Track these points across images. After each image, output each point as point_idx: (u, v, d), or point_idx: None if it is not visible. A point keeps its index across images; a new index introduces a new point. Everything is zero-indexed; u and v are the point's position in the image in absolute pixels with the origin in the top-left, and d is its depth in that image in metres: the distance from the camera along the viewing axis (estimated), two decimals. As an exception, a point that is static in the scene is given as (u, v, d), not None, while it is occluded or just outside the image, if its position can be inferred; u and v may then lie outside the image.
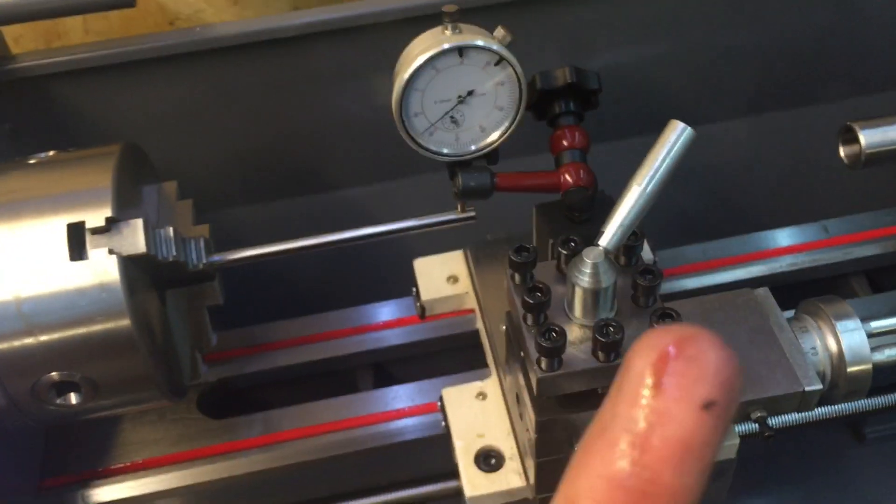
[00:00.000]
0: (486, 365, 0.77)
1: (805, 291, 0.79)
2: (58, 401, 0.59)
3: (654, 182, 0.52)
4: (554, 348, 0.51)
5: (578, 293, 0.53)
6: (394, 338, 0.83)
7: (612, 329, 0.52)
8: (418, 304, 0.79)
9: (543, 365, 0.53)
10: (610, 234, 0.53)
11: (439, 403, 0.71)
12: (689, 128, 0.53)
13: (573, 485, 0.20)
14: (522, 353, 0.59)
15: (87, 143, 0.82)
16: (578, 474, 0.19)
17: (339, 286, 0.89)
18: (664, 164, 0.52)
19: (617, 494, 0.19)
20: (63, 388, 0.59)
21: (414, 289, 0.80)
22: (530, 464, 0.64)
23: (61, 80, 0.78)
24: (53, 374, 0.58)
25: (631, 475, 0.19)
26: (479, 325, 0.77)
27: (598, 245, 0.53)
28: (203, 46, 0.77)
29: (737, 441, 0.67)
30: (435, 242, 0.82)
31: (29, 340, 0.56)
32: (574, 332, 0.54)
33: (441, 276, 0.80)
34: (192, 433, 0.77)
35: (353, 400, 0.79)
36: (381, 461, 0.77)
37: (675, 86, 0.90)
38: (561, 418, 0.56)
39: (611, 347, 0.52)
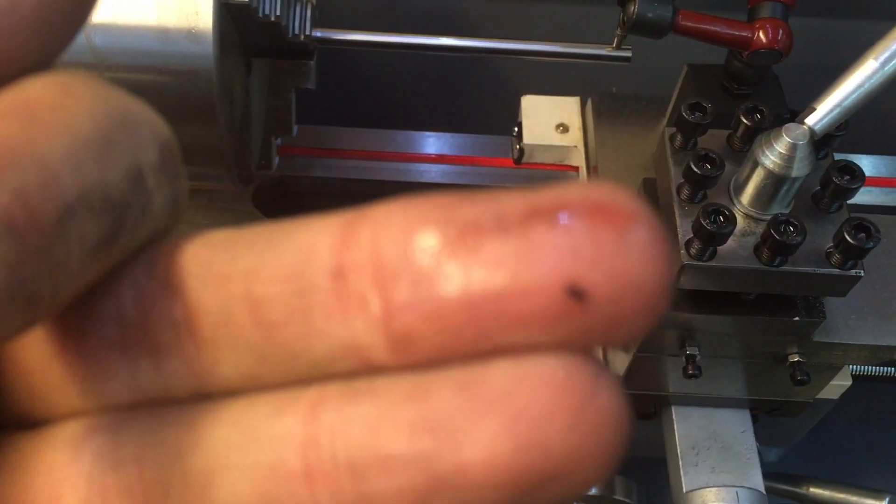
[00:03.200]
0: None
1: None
2: (112, 155, 0.51)
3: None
4: (717, 234, 0.42)
5: (759, 176, 0.43)
6: (481, 176, 0.74)
7: (792, 229, 0.42)
8: (517, 147, 0.70)
9: (693, 250, 0.44)
10: (823, 112, 0.42)
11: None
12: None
13: None
14: (657, 230, 0.50)
15: None
16: None
17: (432, 104, 0.78)
18: (916, 44, 0.41)
19: None
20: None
21: (515, 128, 0.70)
22: (616, 354, 0.56)
23: None
24: (113, 122, 0.49)
25: None
26: (582, 185, 0.68)
27: (802, 123, 0.42)
28: None
29: (848, 383, 0.59)
30: (534, 83, 0.72)
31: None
32: (738, 222, 0.44)
33: (550, 122, 0.70)
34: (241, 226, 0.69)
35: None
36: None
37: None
38: (684, 316, 0.48)
39: (784, 250, 0.43)
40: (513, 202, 0.12)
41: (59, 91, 0.13)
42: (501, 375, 0.12)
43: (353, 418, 0.12)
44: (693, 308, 0.47)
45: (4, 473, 0.14)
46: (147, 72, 0.47)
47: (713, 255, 0.44)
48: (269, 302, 0.13)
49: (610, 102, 0.68)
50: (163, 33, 0.46)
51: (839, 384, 0.58)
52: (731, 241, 0.44)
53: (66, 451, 0.14)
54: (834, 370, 0.53)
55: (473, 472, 0.12)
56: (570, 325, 0.12)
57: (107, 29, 0.46)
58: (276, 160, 0.61)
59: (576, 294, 0.11)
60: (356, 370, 0.13)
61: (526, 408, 0.11)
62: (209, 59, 0.46)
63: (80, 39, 0.46)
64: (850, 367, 0.58)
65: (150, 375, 0.14)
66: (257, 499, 0.13)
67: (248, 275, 0.13)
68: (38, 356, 0.15)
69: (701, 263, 0.44)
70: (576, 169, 0.69)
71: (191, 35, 0.46)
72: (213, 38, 0.46)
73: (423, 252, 0.12)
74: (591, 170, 0.67)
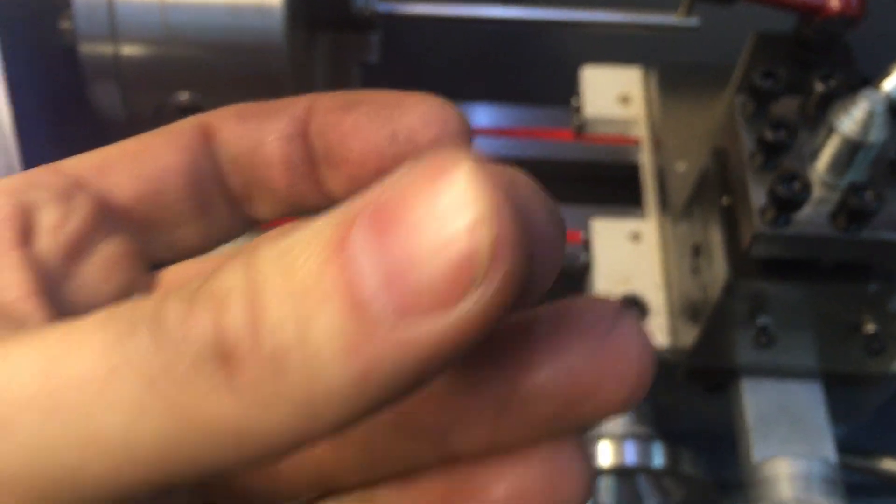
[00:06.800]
0: (635, 205, 0.68)
1: None
2: (183, 130, 0.52)
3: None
4: (793, 201, 0.42)
5: (835, 142, 0.43)
6: (537, 149, 0.73)
7: (869, 196, 0.41)
8: (577, 119, 0.69)
9: (768, 218, 0.43)
10: (903, 77, 0.41)
11: (583, 235, 0.63)
12: None
13: None
14: (725, 200, 0.49)
15: None
16: None
17: (492, 74, 0.78)
18: None
19: None
20: (188, 114, 0.51)
21: (575, 99, 0.70)
22: (685, 325, 0.56)
23: None
24: (184, 96, 0.50)
25: None
26: (644, 158, 0.67)
27: (880, 89, 0.42)
28: None
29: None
30: (593, 52, 0.71)
31: (166, 52, 0.48)
32: (814, 189, 0.44)
33: (611, 93, 0.69)
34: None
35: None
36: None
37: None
38: (756, 285, 0.47)
39: (861, 217, 0.42)
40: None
41: None
42: None
43: None
44: (765, 277, 0.47)
45: None
46: (218, 47, 0.47)
47: (788, 223, 0.43)
48: None
49: (674, 73, 0.67)
50: (233, 9, 0.47)
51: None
52: (805, 209, 0.43)
53: None
54: (909, 341, 0.52)
55: None
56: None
57: (180, 6, 0.47)
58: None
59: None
60: None
61: None
62: (279, 34, 0.47)
63: (155, 17, 0.47)
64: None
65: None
66: None
67: None
68: None
69: (775, 231, 0.43)
70: (635, 141, 0.68)
71: (260, 10, 0.46)
72: (282, 12, 0.46)
73: None
74: (655, 143, 0.66)
